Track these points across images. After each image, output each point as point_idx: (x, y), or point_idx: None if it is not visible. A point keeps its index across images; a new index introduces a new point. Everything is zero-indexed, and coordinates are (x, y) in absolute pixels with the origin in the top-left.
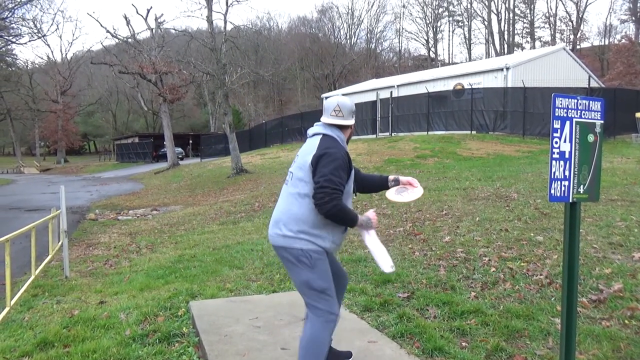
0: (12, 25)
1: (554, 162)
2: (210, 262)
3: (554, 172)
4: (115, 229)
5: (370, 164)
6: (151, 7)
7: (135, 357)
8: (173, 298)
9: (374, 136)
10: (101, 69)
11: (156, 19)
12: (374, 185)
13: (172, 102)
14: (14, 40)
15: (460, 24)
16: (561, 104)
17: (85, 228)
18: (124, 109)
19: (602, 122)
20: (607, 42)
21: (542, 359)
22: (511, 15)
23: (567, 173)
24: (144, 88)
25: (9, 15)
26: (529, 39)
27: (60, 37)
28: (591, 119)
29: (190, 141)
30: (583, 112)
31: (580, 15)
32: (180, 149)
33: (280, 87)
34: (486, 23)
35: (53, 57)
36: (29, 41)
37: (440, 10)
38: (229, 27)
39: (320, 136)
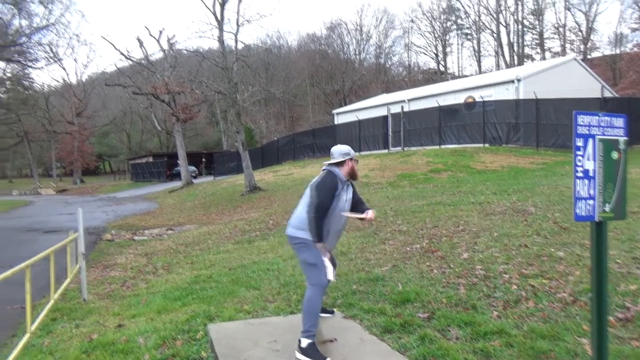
0: (29, 50)
1: (578, 180)
2: (226, 283)
3: (579, 191)
4: (132, 250)
5: (383, 179)
6: (163, 29)
7: None
8: (191, 321)
9: (386, 151)
10: (115, 90)
11: (168, 40)
12: (356, 210)
13: (185, 122)
14: (30, 64)
15: (469, 36)
16: (583, 121)
17: (102, 249)
18: (138, 129)
19: (625, 139)
20: (618, 51)
21: None
22: (520, 27)
23: (592, 192)
24: (157, 108)
25: (26, 41)
26: (538, 50)
27: (75, 60)
28: (614, 135)
29: (204, 159)
30: (605, 129)
31: (590, 25)
32: (193, 168)
33: (291, 103)
34: (495, 35)
35: (68, 79)
36: (46, 65)
37: (449, 23)
38: (240, 46)
39: (324, 171)
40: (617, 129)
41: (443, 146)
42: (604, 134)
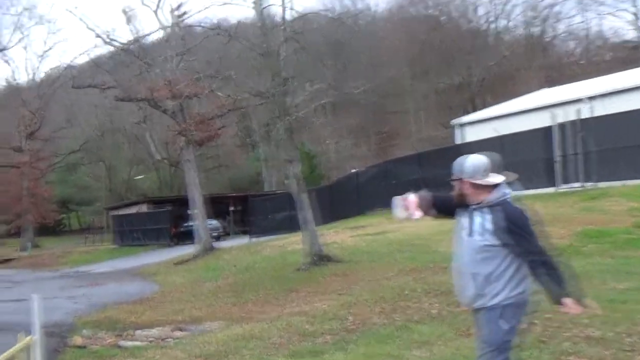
0: None
1: None
2: None
3: None
4: None
5: (555, 239)
6: None
7: None
8: None
9: (552, 189)
10: (88, 95)
11: (173, 11)
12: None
13: (201, 144)
14: None
15: None
16: None
17: None
18: (124, 158)
19: None
20: None
21: None
22: None
23: None
24: (155, 123)
25: None
26: None
27: (25, 48)
28: None
29: (232, 208)
30: None
31: None
32: (215, 222)
33: (378, 110)
34: None
35: (14, 79)
36: None
37: None
38: (291, 15)
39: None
40: None
41: None
42: None
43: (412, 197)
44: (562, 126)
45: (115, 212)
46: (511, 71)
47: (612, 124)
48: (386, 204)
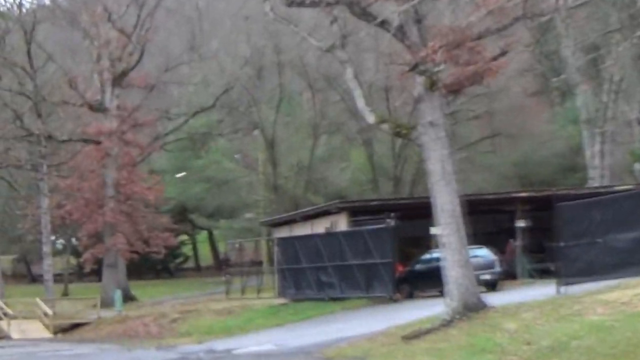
0: None
1: None
2: None
3: None
4: None
5: None
6: None
7: None
8: None
9: None
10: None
11: None
12: None
13: (458, 90)
14: None
15: None
16: None
17: None
18: (300, 124)
19: None
20: None
21: None
22: None
23: None
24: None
25: None
26: None
27: None
28: None
29: (521, 223)
30: None
31: None
32: (486, 253)
33: None
34: None
35: None
36: None
37: None
38: None
39: None
40: None
41: None
42: None
43: None
44: None
45: (282, 232)
46: None
47: None
48: None
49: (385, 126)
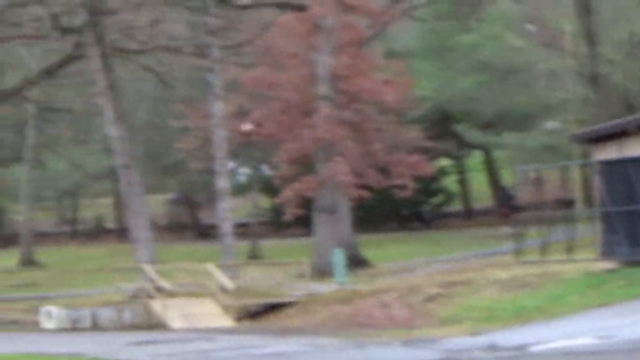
0: None
1: None
2: None
3: None
4: None
5: None
6: None
7: None
8: None
9: None
10: None
11: None
12: None
13: None
14: None
15: None
16: None
17: None
18: None
19: None
20: None
21: None
22: None
23: None
24: None
25: None
26: None
27: None
28: None
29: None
30: None
31: None
32: None
33: None
34: None
35: None
36: None
37: None
38: None
39: None
40: None
41: None
42: None
43: None
44: None
45: (608, 152)
46: None
47: None
48: None
49: None
